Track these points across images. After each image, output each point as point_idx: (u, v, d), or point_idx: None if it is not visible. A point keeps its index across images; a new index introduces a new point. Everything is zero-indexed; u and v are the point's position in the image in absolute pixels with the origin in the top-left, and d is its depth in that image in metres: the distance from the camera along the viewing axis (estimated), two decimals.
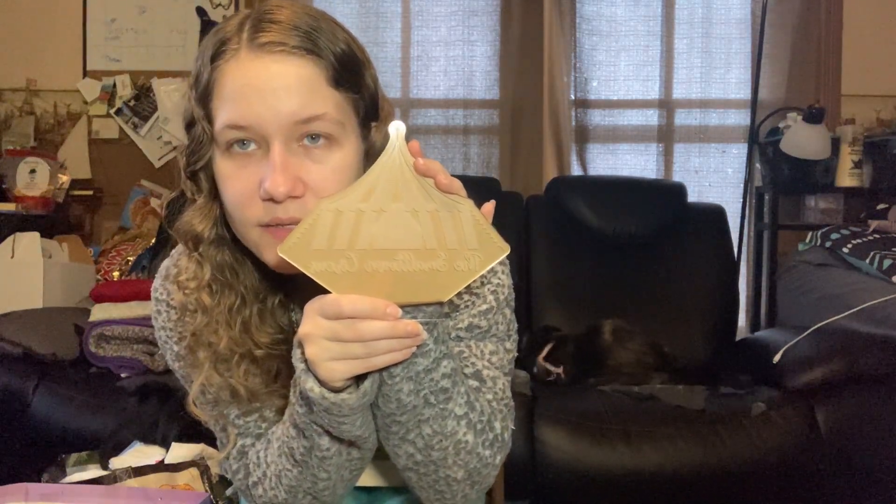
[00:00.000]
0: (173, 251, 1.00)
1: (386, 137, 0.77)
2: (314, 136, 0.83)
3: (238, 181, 0.84)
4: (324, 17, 0.87)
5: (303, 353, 0.78)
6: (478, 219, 0.76)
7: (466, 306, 0.93)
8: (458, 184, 0.77)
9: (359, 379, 0.79)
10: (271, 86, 0.82)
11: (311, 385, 0.78)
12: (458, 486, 0.90)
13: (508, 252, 0.76)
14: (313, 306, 0.76)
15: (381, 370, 0.79)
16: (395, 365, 0.78)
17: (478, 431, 0.89)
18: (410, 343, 0.75)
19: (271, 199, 0.82)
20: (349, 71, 0.86)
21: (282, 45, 0.82)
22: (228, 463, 0.99)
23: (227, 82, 0.83)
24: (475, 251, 0.76)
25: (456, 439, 0.86)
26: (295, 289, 0.94)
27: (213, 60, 0.84)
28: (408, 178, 0.75)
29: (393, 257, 0.75)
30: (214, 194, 0.89)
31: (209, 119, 0.85)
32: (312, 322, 0.76)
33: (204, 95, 0.85)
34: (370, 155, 0.89)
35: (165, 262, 1.00)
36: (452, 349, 0.87)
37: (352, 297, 0.74)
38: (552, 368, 2.28)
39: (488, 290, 0.94)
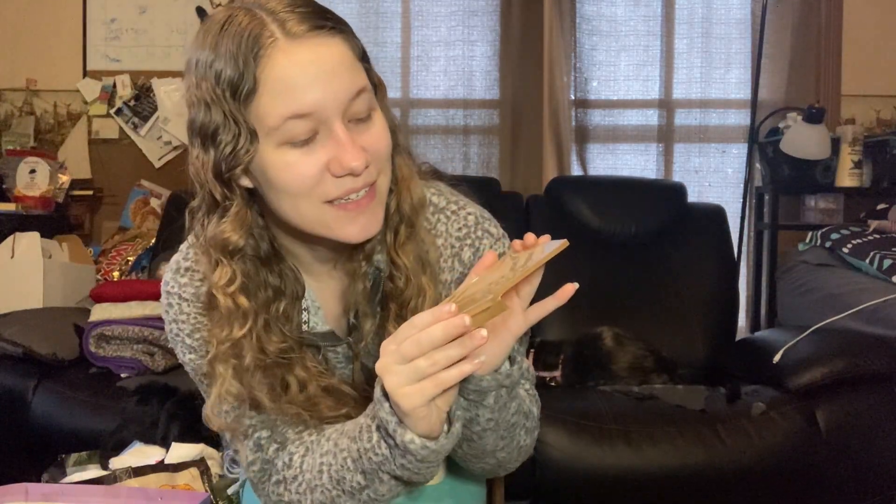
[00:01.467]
0: (182, 245, 1.01)
1: (385, 101, 0.91)
2: (362, 112, 0.87)
3: (304, 167, 0.85)
4: None
5: (388, 400, 0.81)
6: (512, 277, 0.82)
7: None
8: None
9: (449, 426, 0.84)
10: (320, 71, 0.84)
11: (410, 437, 0.81)
12: (513, 466, 1.02)
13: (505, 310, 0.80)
14: (389, 343, 0.79)
15: (467, 401, 0.88)
16: (480, 408, 0.88)
17: (530, 431, 1.00)
18: (471, 344, 0.76)
19: (349, 174, 0.85)
20: (362, 48, 0.91)
21: (318, 29, 0.85)
22: (244, 454, 0.99)
23: (277, 74, 0.83)
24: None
25: (519, 447, 0.98)
26: (298, 274, 0.97)
27: (256, 57, 0.84)
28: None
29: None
30: (248, 199, 0.91)
31: (250, 116, 0.85)
32: (385, 354, 0.78)
33: (246, 96, 0.84)
34: None
35: (175, 257, 1.01)
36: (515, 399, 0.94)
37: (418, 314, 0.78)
38: (545, 374, 2.28)
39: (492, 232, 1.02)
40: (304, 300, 0.99)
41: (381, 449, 0.85)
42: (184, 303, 0.98)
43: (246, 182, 0.90)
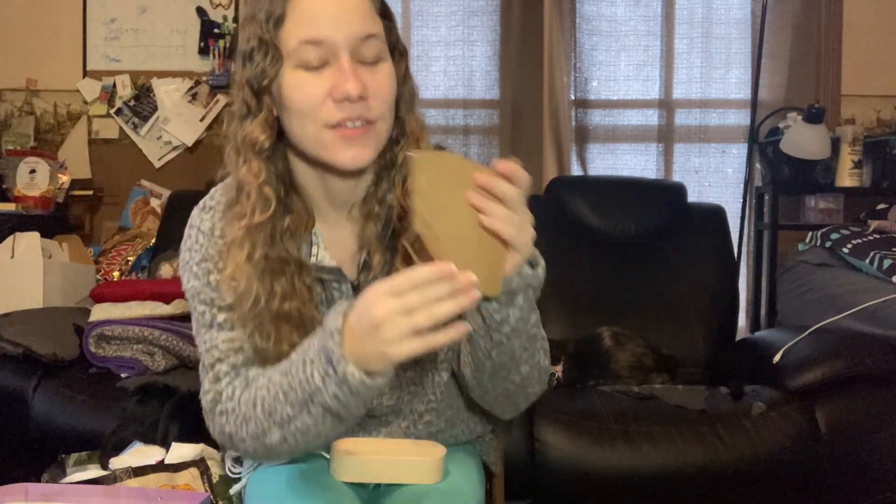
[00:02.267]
0: (212, 189, 1.15)
1: (406, 67, 1.09)
2: (370, 56, 1.02)
3: (311, 87, 1.00)
4: None
5: (341, 339, 0.90)
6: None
7: None
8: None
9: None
10: (339, 9, 1.00)
11: (352, 370, 0.89)
12: (535, 397, 1.12)
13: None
14: (381, 289, 0.87)
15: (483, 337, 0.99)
16: (511, 308, 0.98)
17: (546, 352, 1.10)
18: (468, 302, 0.85)
19: (346, 100, 0.99)
20: (385, 6, 1.07)
21: None
22: (204, 386, 1.09)
23: (301, 7, 1.00)
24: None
25: (541, 365, 1.08)
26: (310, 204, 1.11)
27: None
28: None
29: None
30: (269, 112, 1.05)
31: (279, 40, 1.01)
32: (383, 305, 0.86)
33: (276, 22, 1.01)
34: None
35: (204, 198, 1.14)
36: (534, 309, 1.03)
37: (418, 267, 0.86)
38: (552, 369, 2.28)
39: None
40: (313, 234, 1.10)
41: (315, 380, 0.93)
42: (200, 235, 1.11)
43: (268, 99, 1.04)
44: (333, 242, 1.12)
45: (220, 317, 1.08)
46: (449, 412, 1.23)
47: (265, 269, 1.04)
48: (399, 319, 0.85)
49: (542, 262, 1.01)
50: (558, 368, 2.29)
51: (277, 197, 1.05)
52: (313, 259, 1.10)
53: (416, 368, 1.14)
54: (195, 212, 1.14)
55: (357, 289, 1.11)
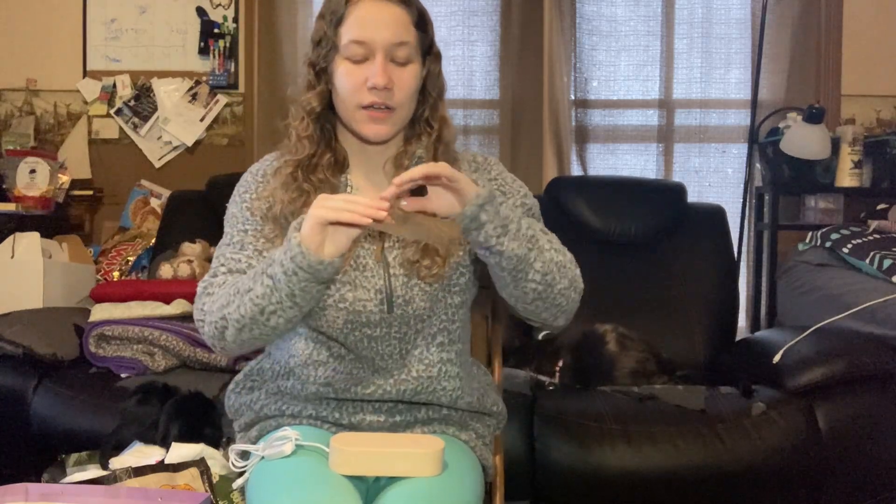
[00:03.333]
0: (261, 160, 1.44)
1: (438, 67, 1.39)
2: (400, 55, 1.30)
3: (353, 76, 1.30)
4: None
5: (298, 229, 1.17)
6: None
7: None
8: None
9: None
10: (382, 19, 1.29)
11: (297, 240, 1.16)
12: (567, 292, 1.30)
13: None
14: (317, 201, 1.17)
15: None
16: (505, 238, 1.20)
17: (561, 251, 1.31)
18: (361, 221, 1.13)
19: (375, 88, 1.28)
20: (423, 20, 1.34)
21: None
22: (205, 278, 1.34)
23: (354, 15, 1.30)
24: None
25: (555, 261, 1.27)
26: (346, 157, 1.39)
27: (347, 2, 1.30)
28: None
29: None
30: (327, 86, 1.34)
31: (336, 37, 1.30)
32: (320, 204, 1.17)
33: (336, 22, 1.30)
34: (429, 76, 1.37)
35: (255, 165, 1.42)
36: (521, 218, 1.25)
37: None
38: (545, 379, 2.27)
39: (517, 195, 1.41)
40: (347, 179, 1.36)
41: (274, 256, 1.20)
42: (249, 175, 1.40)
43: (324, 78, 1.34)
44: (369, 185, 1.38)
45: (237, 237, 1.34)
46: (462, 360, 1.38)
47: (300, 187, 1.32)
48: (319, 210, 1.15)
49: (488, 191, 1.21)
50: (556, 366, 2.28)
51: (316, 145, 1.35)
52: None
53: (432, 285, 1.31)
54: (251, 167, 1.42)
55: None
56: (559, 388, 2.25)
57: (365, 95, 1.29)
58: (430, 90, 1.38)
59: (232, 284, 1.26)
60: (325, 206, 1.15)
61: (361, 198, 1.14)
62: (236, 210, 1.37)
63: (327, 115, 1.38)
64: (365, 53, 1.29)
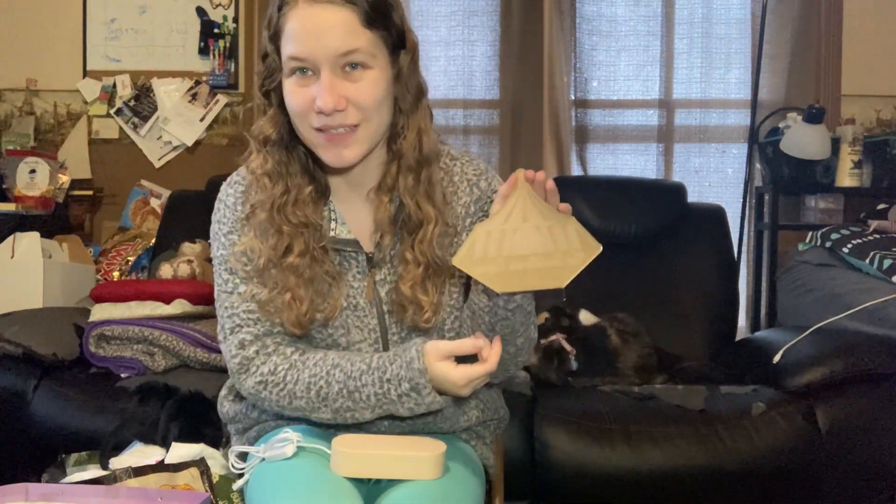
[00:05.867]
0: (234, 173, 1.31)
1: (412, 62, 1.20)
2: (353, 65, 1.13)
3: (299, 96, 1.14)
4: None
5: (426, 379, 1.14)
6: (578, 229, 1.14)
7: None
8: (566, 205, 1.14)
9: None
10: (320, 28, 1.11)
11: (439, 400, 1.16)
12: (521, 359, 1.29)
13: (601, 250, 1.14)
14: (459, 372, 1.13)
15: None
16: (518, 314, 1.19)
17: (536, 326, 1.28)
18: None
19: (322, 112, 1.12)
20: (379, 13, 1.14)
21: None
22: (227, 349, 1.24)
23: (290, 26, 1.13)
24: (579, 251, 1.13)
25: (531, 338, 1.27)
26: (327, 184, 1.26)
27: (280, 9, 1.14)
28: (530, 205, 1.12)
29: (526, 260, 1.10)
30: (281, 107, 1.20)
31: (278, 52, 1.16)
32: (460, 375, 1.13)
33: (274, 35, 1.15)
34: (400, 76, 1.20)
35: (231, 175, 1.30)
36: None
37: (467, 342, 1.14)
38: (567, 346, 2.25)
39: None
40: (331, 211, 1.25)
41: (391, 395, 1.15)
42: (226, 209, 1.26)
43: (275, 97, 1.20)
44: (353, 218, 1.27)
45: (241, 287, 1.22)
46: None
47: (279, 230, 1.20)
48: (465, 384, 1.13)
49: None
50: (572, 351, 2.26)
51: (284, 180, 1.20)
52: (332, 232, 1.25)
53: (424, 332, 1.26)
54: (223, 187, 1.29)
55: (371, 260, 1.26)
56: (566, 373, 2.25)
57: (315, 118, 1.15)
58: (402, 92, 1.20)
59: (311, 389, 1.18)
60: (463, 376, 1.12)
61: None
62: (227, 254, 1.25)
63: (295, 139, 1.22)
64: (309, 69, 1.13)
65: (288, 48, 1.14)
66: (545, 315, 2.33)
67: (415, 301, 1.21)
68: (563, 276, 1.11)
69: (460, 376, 1.13)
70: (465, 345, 1.13)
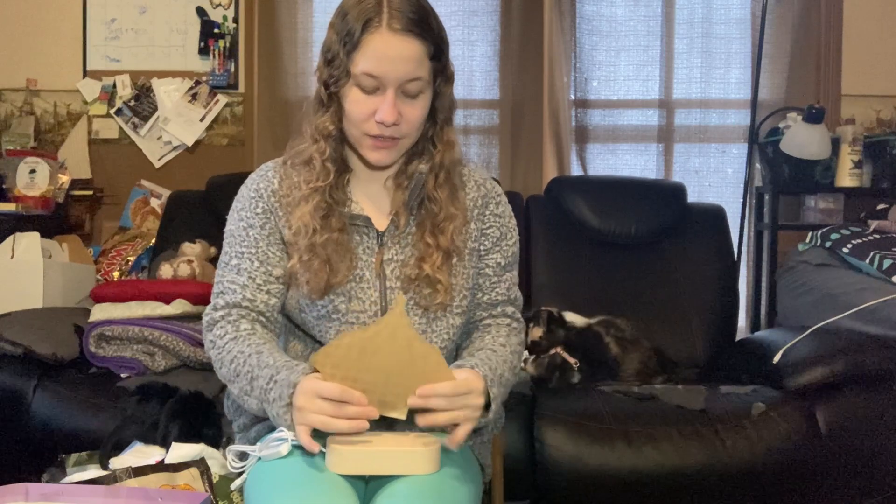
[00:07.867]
0: (261, 166, 1.45)
1: (448, 86, 1.37)
2: (412, 92, 1.30)
3: (363, 105, 1.30)
4: (431, 11, 1.32)
5: (293, 392, 1.20)
6: (440, 363, 1.20)
7: (497, 248, 1.46)
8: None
9: None
10: (397, 55, 1.27)
11: (286, 417, 1.21)
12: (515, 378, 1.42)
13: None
14: (318, 387, 1.17)
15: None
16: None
17: (517, 354, 1.43)
18: (357, 429, 1.17)
19: (382, 123, 1.29)
20: (440, 50, 1.33)
21: (408, 32, 1.27)
22: (209, 309, 1.38)
23: (370, 47, 1.28)
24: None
25: (515, 372, 1.40)
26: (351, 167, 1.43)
27: (364, 28, 1.27)
28: (401, 333, 1.18)
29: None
30: (339, 107, 1.35)
31: (349, 61, 1.29)
32: (310, 399, 1.17)
33: (351, 48, 1.29)
34: (438, 97, 1.37)
35: (257, 169, 1.45)
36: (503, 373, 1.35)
37: (342, 388, 1.17)
38: (569, 358, 2.26)
39: (511, 238, 1.49)
40: (348, 190, 1.39)
41: (271, 394, 1.23)
42: (247, 190, 1.41)
43: (336, 99, 1.34)
44: (369, 200, 1.41)
45: (234, 261, 1.37)
46: None
47: (324, 214, 1.35)
48: (309, 414, 1.16)
49: (494, 393, 1.28)
50: (575, 363, 2.26)
51: (336, 168, 1.37)
52: (347, 209, 1.38)
53: (435, 311, 1.37)
54: (250, 176, 1.44)
55: (381, 236, 1.39)
56: (568, 379, 2.25)
57: (372, 126, 1.31)
58: (438, 112, 1.39)
59: (233, 362, 1.30)
60: (313, 412, 1.16)
61: (353, 407, 1.16)
62: (234, 227, 1.39)
63: (341, 133, 1.39)
64: (376, 85, 1.29)
65: (364, 64, 1.28)
66: (540, 331, 2.33)
67: (435, 281, 1.34)
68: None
69: (309, 389, 1.19)
70: (353, 394, 1.18)
